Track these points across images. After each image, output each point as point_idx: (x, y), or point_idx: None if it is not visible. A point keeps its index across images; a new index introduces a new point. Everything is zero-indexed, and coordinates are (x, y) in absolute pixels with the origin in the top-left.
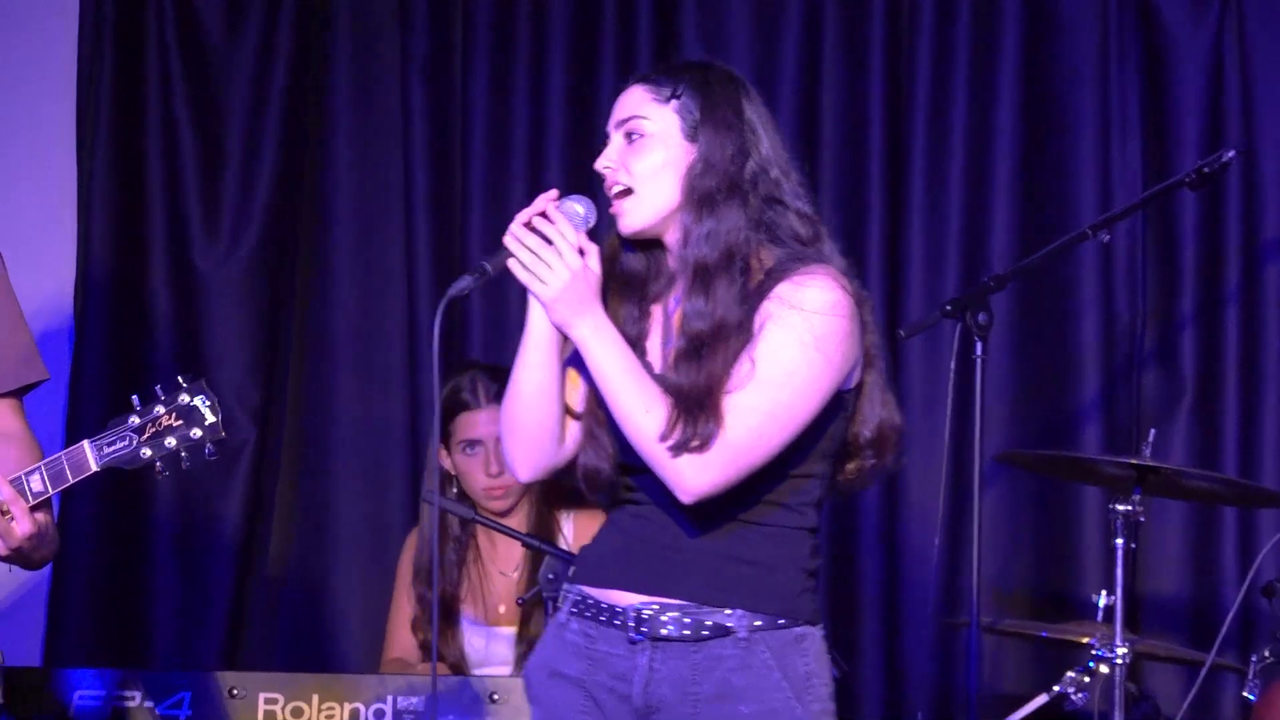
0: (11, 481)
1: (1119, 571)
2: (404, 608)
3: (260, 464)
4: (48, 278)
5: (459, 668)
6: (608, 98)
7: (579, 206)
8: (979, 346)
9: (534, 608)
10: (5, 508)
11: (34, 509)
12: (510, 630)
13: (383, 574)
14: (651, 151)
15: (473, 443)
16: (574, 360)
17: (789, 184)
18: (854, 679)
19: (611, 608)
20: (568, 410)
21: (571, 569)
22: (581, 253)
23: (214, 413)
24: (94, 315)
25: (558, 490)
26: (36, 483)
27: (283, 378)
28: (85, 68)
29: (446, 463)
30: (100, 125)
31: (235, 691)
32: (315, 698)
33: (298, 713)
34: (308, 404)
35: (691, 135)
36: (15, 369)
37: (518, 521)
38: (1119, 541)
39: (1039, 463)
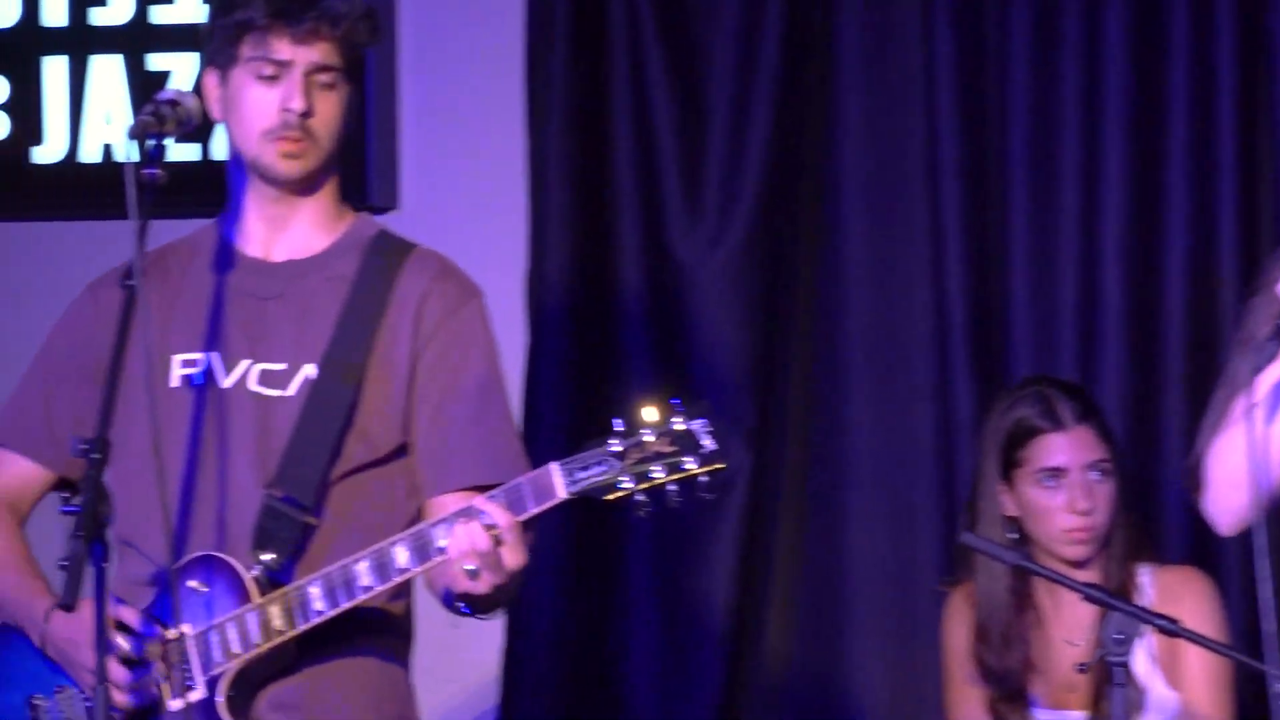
0: (464, 512)
1: None
2: (960, 682)
3: (757, 498)
4: (495, 274)
5: None
6: (1179, 44)
7: None
8: None
9: (1102, 682)
10: (498, 533)
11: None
12: (1081, 716)
13: (910, 632)
14: None
15: (1055, 472)
16: None
17: None
18: None
19: None
20: None
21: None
22: None
23: (714, 439)
24: (552, 318)
25: (1139, 538)
26: (496, 512)
27: (783, 392)
28: (535, 21)
29: (1006, 502)
30: (554, 89)
31: None
32: None
33: None
34: (814, 425)
35: None
36: (500, 462)
37: (1088, 577)
38: None
39: None
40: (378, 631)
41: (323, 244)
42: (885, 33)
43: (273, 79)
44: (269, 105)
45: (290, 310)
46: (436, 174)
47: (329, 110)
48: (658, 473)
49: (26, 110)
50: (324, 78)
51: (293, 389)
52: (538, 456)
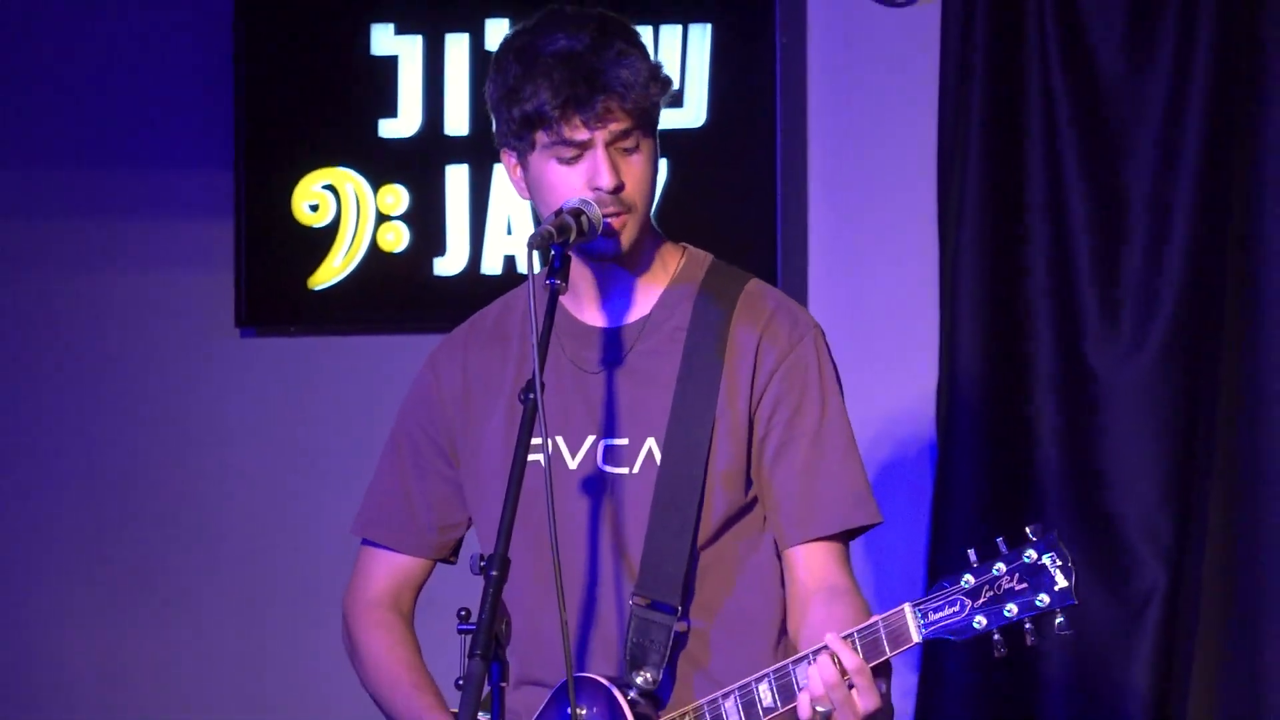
0: (822, 649)
1: None
2: None
3: (1173, 620)
4: (904, 384)
5: None
6: None
7: None
8: None
9: None
10: (849, 675)
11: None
12: None
13: None
14: None
15: None
16: None
17: None
18: None
19: None
20: None
21: None
22: None
23: (1066, 575)
24: (962, 429)
25: None
26: (845, 654)
27: (1202, 506)
28: (949, 121)
29: None
30: (967, 189)
31: None
32: None
33: None
34: (1236, 540)
35: None
36: (838, 509)
37: None
38: None
39: None
40: None
41: (652, 298)
42: None
43: (574, 159)
44: (575, 183)
45: (628, 379)
46: (845, 278)
47: (637, 172)
48: (1010, 610)
49: (429, 221)
50: (626, 143)
51: (637, 466)
52: (949, 566)
